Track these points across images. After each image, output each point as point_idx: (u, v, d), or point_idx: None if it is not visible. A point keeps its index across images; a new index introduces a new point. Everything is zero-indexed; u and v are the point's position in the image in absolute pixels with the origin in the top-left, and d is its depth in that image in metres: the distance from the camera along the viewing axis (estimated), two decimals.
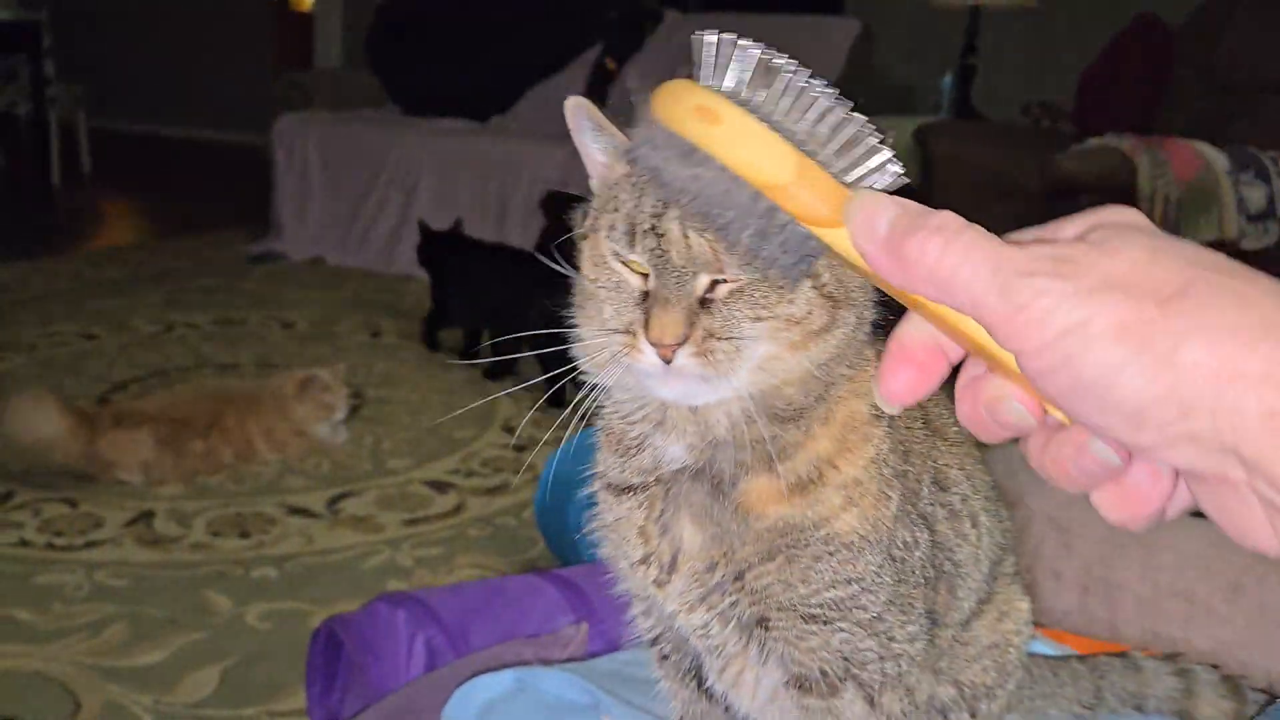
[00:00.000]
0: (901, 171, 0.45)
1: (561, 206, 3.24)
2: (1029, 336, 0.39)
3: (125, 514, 2.35)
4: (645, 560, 0.63)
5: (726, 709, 0.67)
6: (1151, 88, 3.58)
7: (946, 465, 0.66)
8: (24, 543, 2.21)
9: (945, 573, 0.64)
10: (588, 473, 0.70)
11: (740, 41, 0.47)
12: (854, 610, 0.59)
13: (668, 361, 0.54)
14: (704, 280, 0.54)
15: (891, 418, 0.60)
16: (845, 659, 0.60)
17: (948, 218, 0.41)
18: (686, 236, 0.54)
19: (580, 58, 5.00)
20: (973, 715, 0.69)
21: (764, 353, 0.55)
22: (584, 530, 0.69)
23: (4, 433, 2.43)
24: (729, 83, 0.47)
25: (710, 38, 0.47)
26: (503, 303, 3.15)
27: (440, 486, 2.56)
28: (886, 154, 0.46)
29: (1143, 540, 1.59)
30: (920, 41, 4.80)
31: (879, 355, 0.57)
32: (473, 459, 2.72)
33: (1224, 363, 0.37)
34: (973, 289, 0.40)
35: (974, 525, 0.66)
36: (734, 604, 0.60)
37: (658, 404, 0.59)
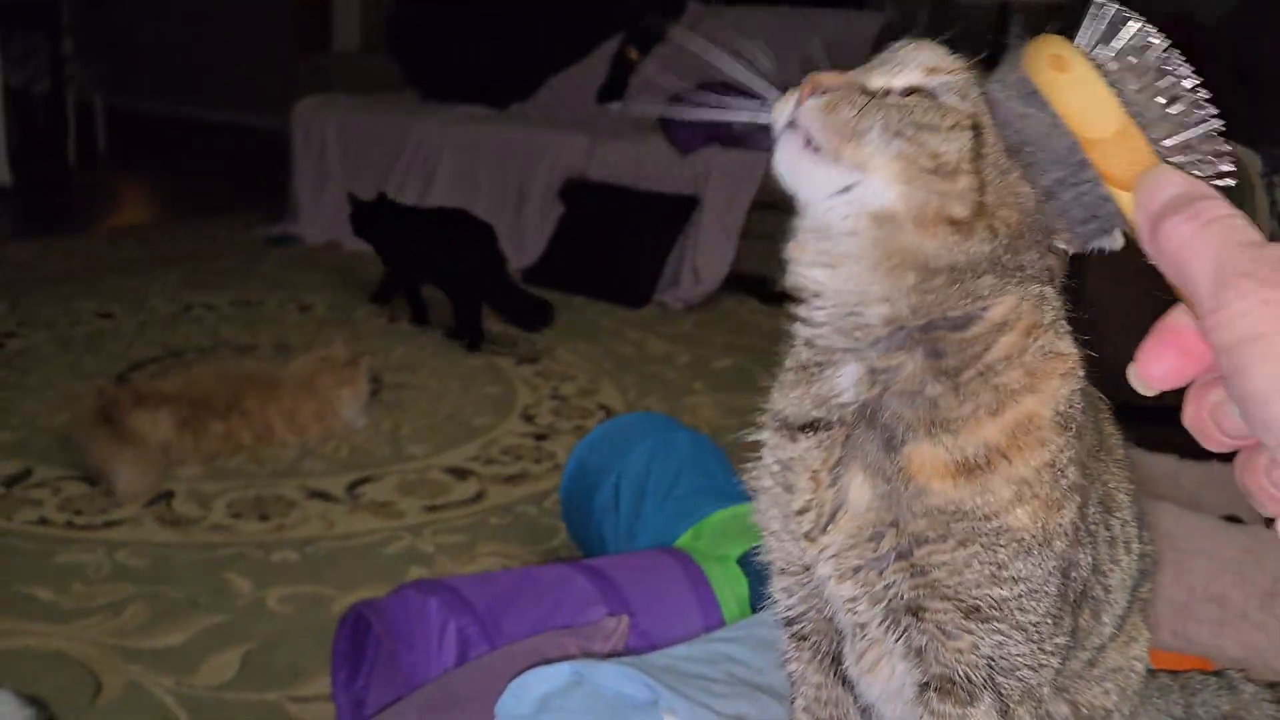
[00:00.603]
0: (1230, 183, 0.45)
1: (581, 195, 3.26)
2: (1219, 337, 0.38)
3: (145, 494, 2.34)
4: (804, 510, 0.59)
5: (855, 697, 0.65)
6: None
7: (1115, 488, 0.63)
8: (44, 521, 2.20)
9: (1094, 597, 0.61)
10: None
11: (1128, 15, 0.49)
12: (1016, 612, 0.56)
13: (793, 124, 0.55)
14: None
15: (1078, 429, 0.57)
16: (991, 664, 0.57)
17: (1210, 205, 0.41)
18: None
19: (602, 47, 4.97)
20: None
21: (890, 160, 0.53)
22: (739, 478, 0.66)
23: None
24: (1098, 47, 0.49)
25: (1101, 2, 0.49)
26: (438, 260, 3.50)
27: (460, 473, 2.54)
28: (1226, 165, 0.46)
29: (1176, 545, 1.57)
30: (948, 30, 4.75)
31: (1070, 369, 0.56)
32: (492, 446, 2.71)
33: None
34: (1197, 280, 0.40)
35: (1127, 552, 0.64)
36: (889, 585, 0.57)
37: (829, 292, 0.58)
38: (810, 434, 0.59)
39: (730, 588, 1.52)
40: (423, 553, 2.18)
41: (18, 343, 3.25)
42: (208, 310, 3.68)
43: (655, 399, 3.10)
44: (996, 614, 0.56)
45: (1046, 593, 0.57)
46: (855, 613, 0.60)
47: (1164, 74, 0.48)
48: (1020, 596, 0.56)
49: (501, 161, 4.43)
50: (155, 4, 7.50)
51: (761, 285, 4.15)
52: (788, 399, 0.61)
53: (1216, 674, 0.78)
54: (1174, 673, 0.79)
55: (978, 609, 0.56)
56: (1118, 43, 0.48)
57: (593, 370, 3.31)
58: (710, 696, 0.79)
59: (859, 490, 0.57)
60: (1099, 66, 0.48)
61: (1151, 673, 0.78)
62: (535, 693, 0.76)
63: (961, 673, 0.58)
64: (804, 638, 0.66)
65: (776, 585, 0.66)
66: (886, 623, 0.59)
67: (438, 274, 3.53)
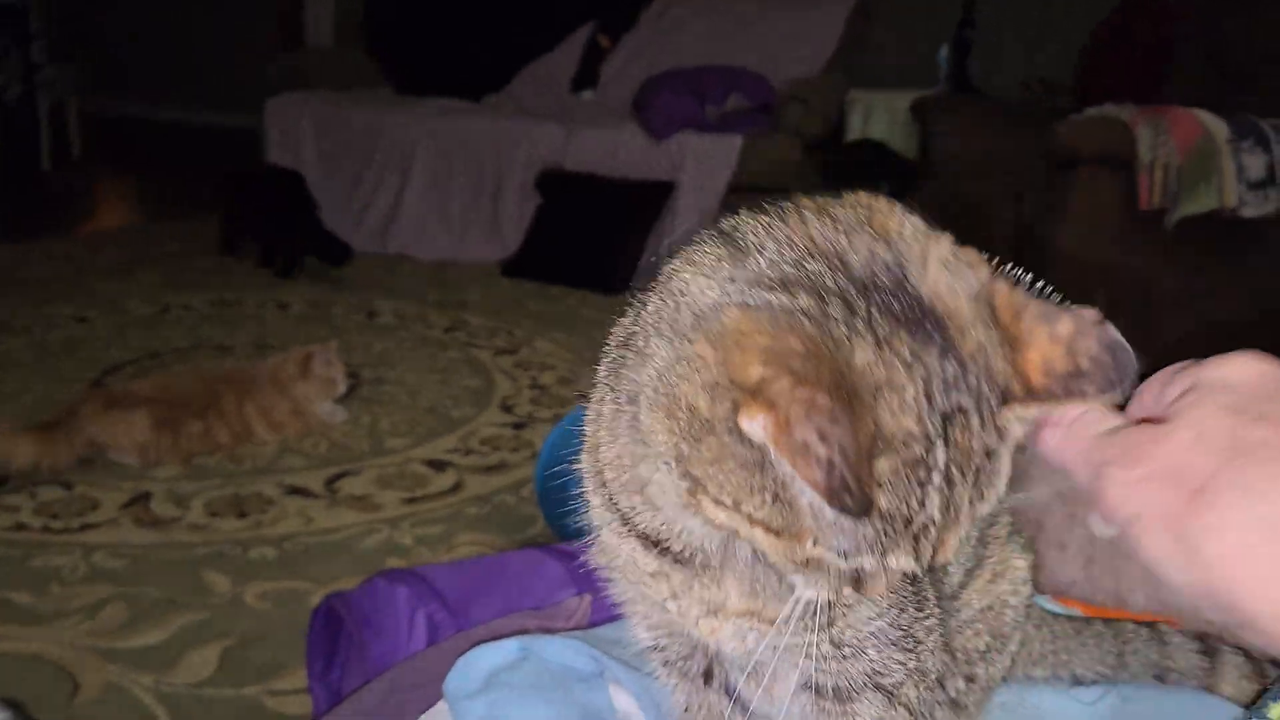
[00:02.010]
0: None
1: (557, 185, 3.29)
2: (1110, 523, 0.46)
3: (122, 495, 2.34)
4: (674, 598, 0.57)
5: (736, 700, 0.65)
6: (1153, 59, 3.56)
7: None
8: (20, 526, 2.20)
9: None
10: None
11: None
12: (888, 631, 0.57)
13: None
14: None
15: None
16: (868, 675, 0.58)
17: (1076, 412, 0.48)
18: None
19: (573, 35, 4.96)
20: (970, 680, 0.68)
21: None
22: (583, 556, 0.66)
23: None
24: None
25: None
26: (277, 213, 4.17)
27: (439, 465, 2.54)
28: None
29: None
30: (917, 14, 4.76)
31: None
32: (471, 438, 2.71)
33: (1242, 556, 0.42)
34: (1079, 477, 0.47)
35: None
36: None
37: None
38: (671, 561, 0.56)
39: None
40: (401, 545, 2.18)
41: None
42: (185, 311, 3.67)
43: None
44: (870, 643, 0.57)
45: (901, 607, 0.58)
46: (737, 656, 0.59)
47: None
48: (892, 620, 0.58)
49: (477, 153, 4.43)
50: (126, 6, 7.45)
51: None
52: (628, 505, 0.56)
53: (1149, 625, 0.79)
54: (1107, 621, 0.80)
55: (844, 642, 0.57)
56: None
57: (572, 359, 3.31)
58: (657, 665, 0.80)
59: (736, 591, 0.55)
60: None
61: (1087, 622, 0.79)
62: (482, 669, 0.77)
63: (844, 684, 0.59)
64: (669, 662, 0.65)
65: (635, 622, 0.65)
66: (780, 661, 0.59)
67: (261, 219, 4.20)
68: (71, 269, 4.12)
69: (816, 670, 0.58)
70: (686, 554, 0.55)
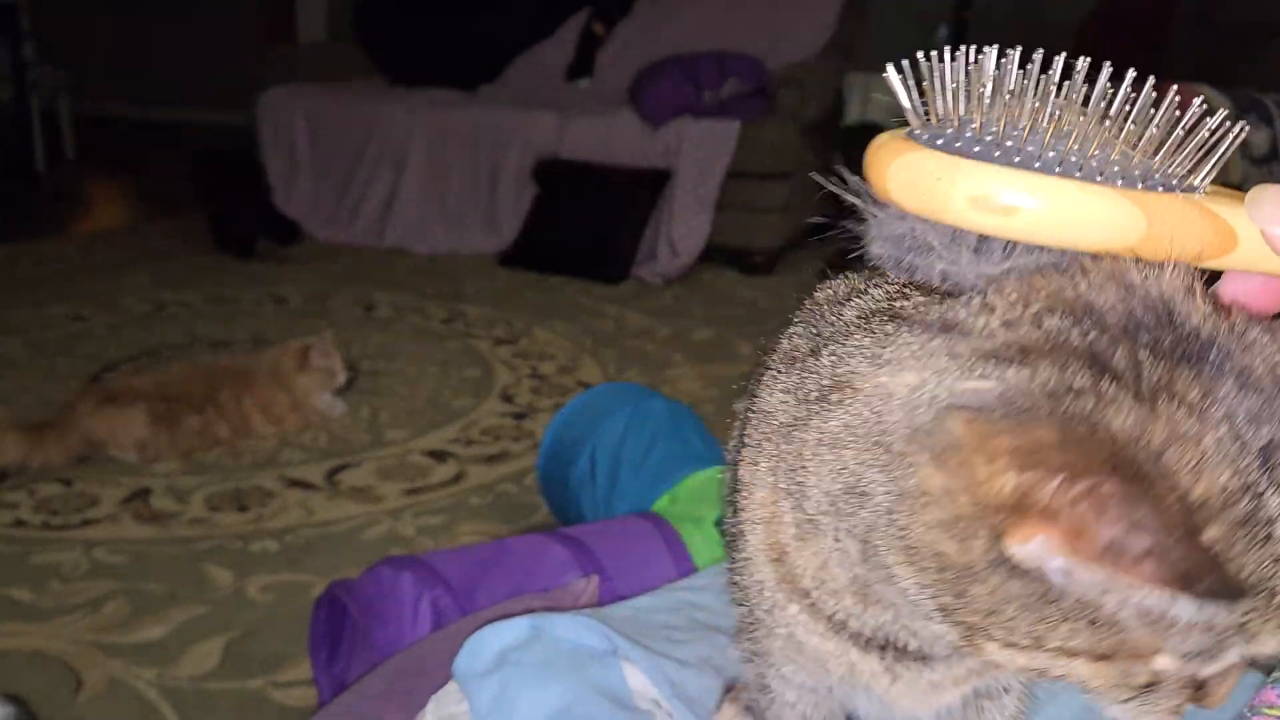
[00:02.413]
0: (1245, 126, 0.39)
1: (554, 175, 3.25)
2: None
3: (121, 491, 2.32)
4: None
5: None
6: (1151, 33, 3.54)
7: None
8: (20, 523, 2.18)
9: None
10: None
11: (960, 62, 0.39)
12: None
13: None
14: None
15: None
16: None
17: None
18: None
19: (567, 23, 4.93)
20: None
21: None
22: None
23: None
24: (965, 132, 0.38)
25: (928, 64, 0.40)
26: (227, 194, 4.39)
27: (440, 456, 2.52)
28: (1218, 116, 0.39)
29: None
30: None
31: None
32: (472, 428, 2.69)
33: None
34: None
35: None
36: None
37: None
38: (881, 653, 0.49)
39: (708, 549, 1.51)
40: (403, 535, 2.16)
41: None
42: (182, 308, 3.65)
43: (635, 373, 3.09)
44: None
45: None
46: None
47: (1068, 94, 0.39)
48: None
49: (472, 144, 4.40)
50: (116, 6, 7.41)
51: (740, 257, 4.14)
52: (847, 611, 0.49)
53: None
54: None
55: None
56: (985, 105, 0.38)
57: (572, 348, 3.29)
58: (670, 644, 0.78)
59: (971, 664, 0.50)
60: (1002, 146, 0.38)
61: None
62: (493, 648, 0.75)
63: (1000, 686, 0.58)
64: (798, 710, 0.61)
65: (792, 702, 0.59)
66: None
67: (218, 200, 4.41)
68: (66, 268, 4.09)
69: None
70: (927, 649, 0.48)
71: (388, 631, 1.31)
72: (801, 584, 0.48)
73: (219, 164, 4.60)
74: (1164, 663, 0.37)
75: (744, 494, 0.52)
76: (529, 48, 4.97)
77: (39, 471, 2.35)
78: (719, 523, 1.59)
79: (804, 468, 0.45)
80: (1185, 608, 0.34)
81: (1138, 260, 0.40)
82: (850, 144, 4.45)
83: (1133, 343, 0.37)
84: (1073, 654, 0.37)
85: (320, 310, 3.66)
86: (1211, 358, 0.37)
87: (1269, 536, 0.35)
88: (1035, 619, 0.37)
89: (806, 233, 4.54)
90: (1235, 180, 2.18)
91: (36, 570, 2.00)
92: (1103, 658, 0.37)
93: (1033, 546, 0.35)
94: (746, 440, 0.53)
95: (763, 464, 0.50)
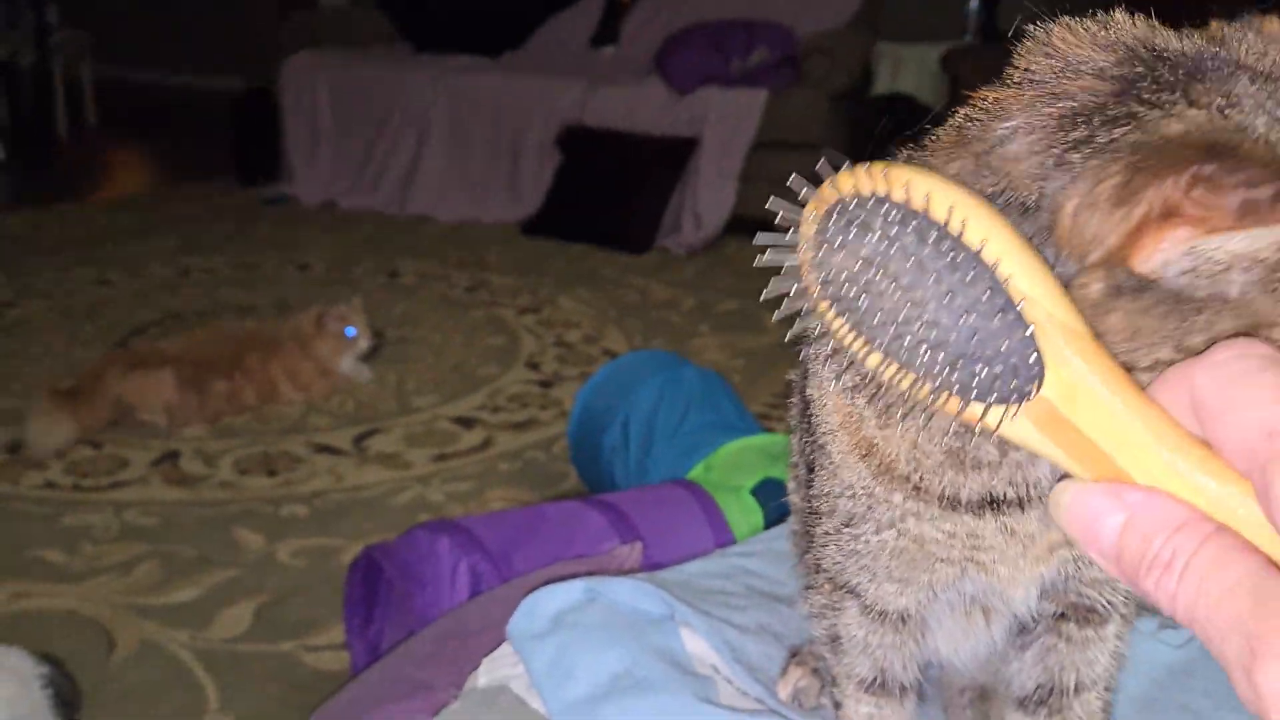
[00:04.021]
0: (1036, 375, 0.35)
1: (578, 143, 3.22)
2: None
3: (150, 454, 2.32)
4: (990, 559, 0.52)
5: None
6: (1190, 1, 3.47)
7: None
8: (50, 484, 2.19)
9: None
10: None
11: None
12: None
13: None
14: None
15: None
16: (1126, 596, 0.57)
17: (1182, 541, 0.32)
18: None
19: None
20: None
21: None
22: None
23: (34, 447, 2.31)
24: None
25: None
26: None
27: (467, 423, 2.52)
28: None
29: None
30: None
31: None
32: (498, 395, 2.68)
33: None
34: (1211, 640, 0.31)
35: None
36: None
37: None
38: (994, 511, 0.50)
39: (744, 517, 1.50)
40: (432, 501, 2.16)
41: (17, 312, 3.22)
42: (206, 274, 3.65)
43: (661, 343, 3.07)
44: None
45: None
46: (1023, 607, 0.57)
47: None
48: None
49: (496, 111, 4.36)
50: None
51: (765, 228, 4.10)
52: (942, 479, 0.49)
53: None
54: None
55: None
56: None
57: (596, 318, 3.28)
58: (728, 610, 0.76)
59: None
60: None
61: None
62: (548, 610, 0.74)
63: (1104, 603, 0.57)
64: (891, 691, 0.62)
65: (866, 644, 0.60)
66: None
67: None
68: (91, 234, 4.09)
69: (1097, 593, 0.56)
70: (1021, 494, 0.49)
71: (426, 596, 1.30)
72: (899, 470, 0.49)
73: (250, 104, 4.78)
74: None
75: (815, 413, 0.53)
76: (554, 14, 4.92)
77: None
78: (755, 490, 1.58)
79: None
80: None
81: (1093, 29, 0.41)
82: (879, 114, 4.40)
83: (1138, 93, 0.38)
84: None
85: (344, 277, 3.65)
86: (1212, 67, 0.38)
87: None
88: (1177, 329, 0.37)
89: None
90: None
91: (68, 532, 2.01)
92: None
93: (1164, 249, 0.35)
94: (808, 366, 0.55)
95: (828, 373, 0.51)
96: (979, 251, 0.34)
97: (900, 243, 0.35)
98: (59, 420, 2.31)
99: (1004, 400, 0.34)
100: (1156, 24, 0.41)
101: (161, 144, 6.06)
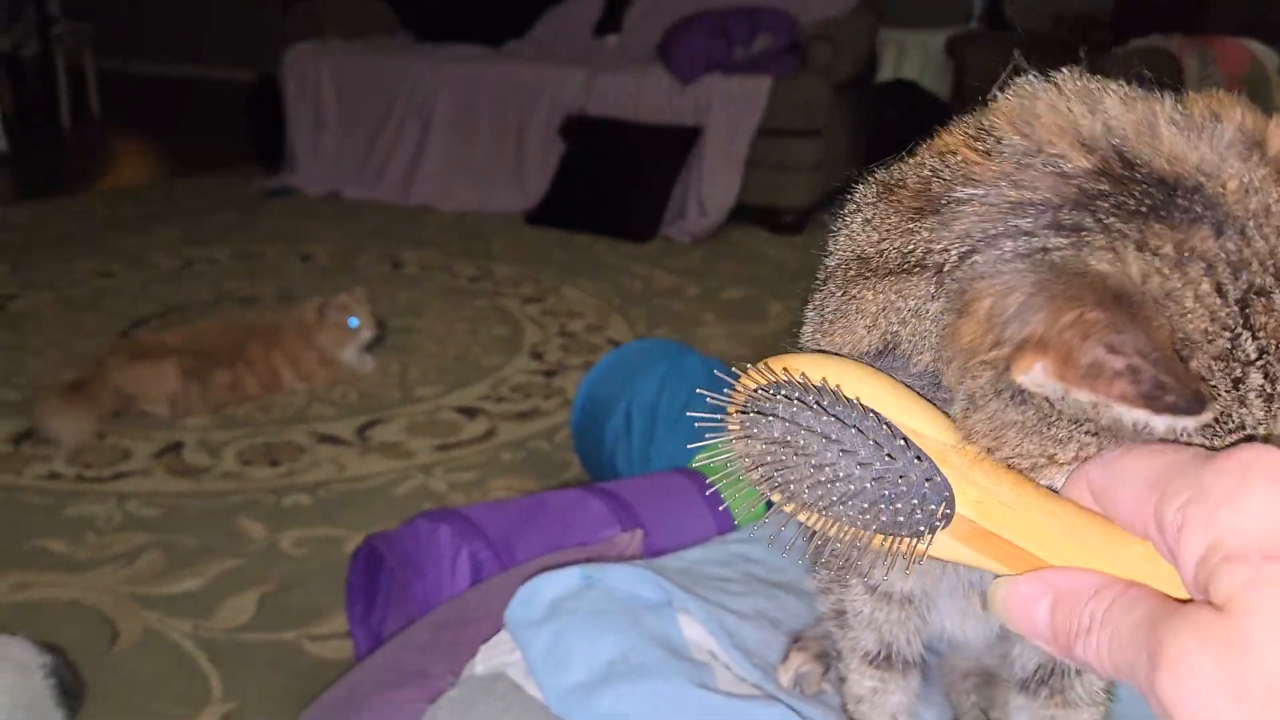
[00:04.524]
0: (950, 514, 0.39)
1: (582, 131, 3.21)
2: None
3: (153, 445, 2.32)
4: None
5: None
6: None
7: None
8: (54, 475, 2.19)
9: None
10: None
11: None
12: None
13: None
14: None
15: None
16: None
17: (1097, 603, 0.35)
18: None
19: None
20: None
21: None
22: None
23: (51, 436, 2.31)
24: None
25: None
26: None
27: (470, 412, 2.51)
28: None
29: None
30: None
31: None
32: (502, 385, 2.67)
33: None
34: (1123, 672, 0.34)
35: None
36: None
37: None
38: None
39: (747, 505, 1.49)
40: (435, 490, 2.15)
41: (20, 304, 3.22)
42: (209, 265, 3.64)
43: (665, 332, 3.06)
44: None
45: None
46: None
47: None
48: None
49: (499, 101, 4.35)
50: None
51: (769, 216, 4.09)
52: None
53: None
54: None
55: None
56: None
57: (600, 306, 3.27)
58: (726, 595, 0.76)
59: None
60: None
61: None
62: (545, 597, 0.73)
63: None
64: (898, 664, 0.63)
65: (872, 619, 0.61)
66: None
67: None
68: (94, 225, 4.09)
69: None
70: None
71: (427, 584, 1.30)
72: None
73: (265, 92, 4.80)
74: None
75: None
76: (556, 3, 4.90)
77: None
78: None
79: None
80: (1157, 424, 0.36)
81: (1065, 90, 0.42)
82: (883, 102, 4.38)
83: (1099, 200, 0.38)
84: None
85: (347, 267, 3.65)
86: (1183, 203, 0.37)
87: (1241, 379, 0.37)
88: (1043, 438, 0.39)
89: (837, 192, 4.47)
90: None
91: (71, 522, 2.01)
92: None
93: (1034, 374, 0.36)
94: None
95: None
96: (865, 408, 0.39)
97: (800, 421, 0.39)
98: (78, 413, 2.31)
99: (928, 527, 0.38)
100: (1157, 112, 0.40)
101: (164, 135, 6.06)
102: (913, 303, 0.43)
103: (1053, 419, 0.38)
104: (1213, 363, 0.37)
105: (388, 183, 4.53)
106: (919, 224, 0.43)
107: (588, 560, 1.00)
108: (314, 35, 4.76)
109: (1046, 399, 0.37)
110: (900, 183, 0.46)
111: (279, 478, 2.19)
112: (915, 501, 0.38)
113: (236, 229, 4.06)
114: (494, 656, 0.75)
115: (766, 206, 4.07)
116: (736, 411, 0.41)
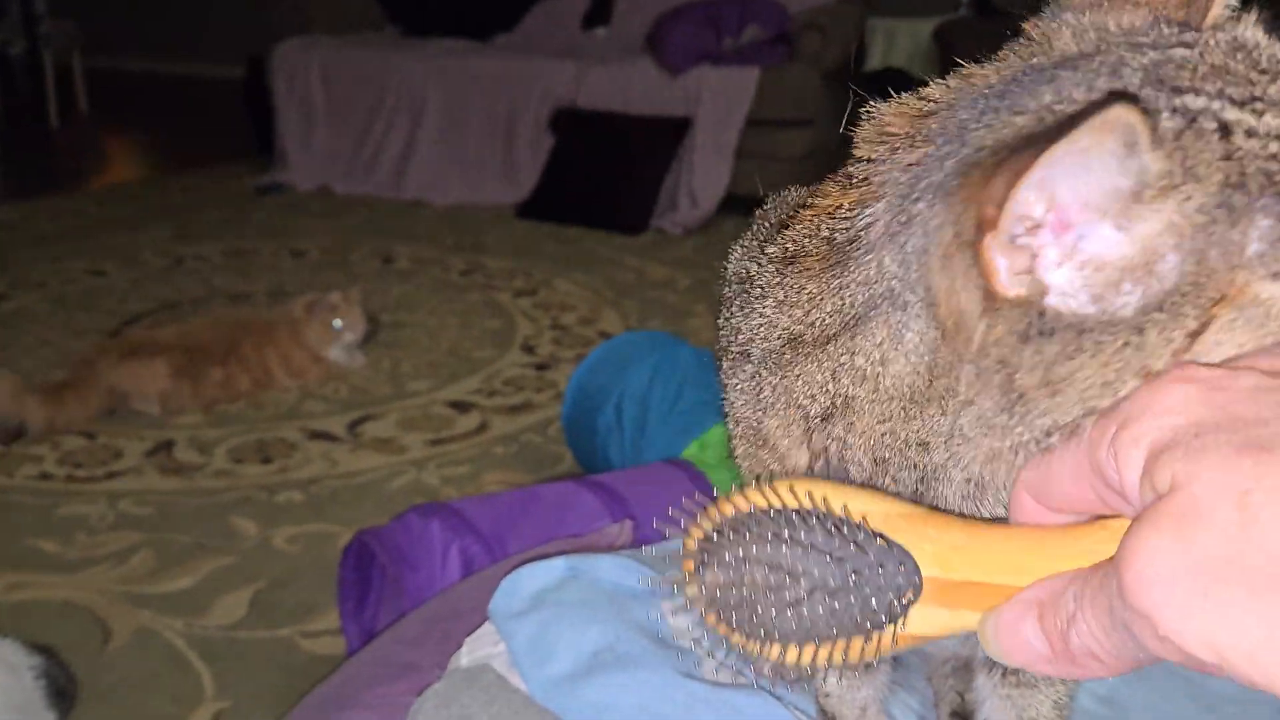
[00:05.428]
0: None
1: (571, 124, 3.21)
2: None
3: (145, 444, 2.31)
4: None
5: None
6: None
7: None
8: (45, 475, 2.18)
9: None
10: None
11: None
12: None
13: None
14: None
15: None
16: None
17: (1076, 587, 0.35)
18: None
19: None
20: None
21: None
22: None
23: None
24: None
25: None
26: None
27: (462, 407, 2.51)
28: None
29: None
30: None
31: None
32: (494, 379, 2.67)
33: None
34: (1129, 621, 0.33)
35: None
36: None
37: None
38: None
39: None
40: (428, 485, 2.15)
41: (10, 304, 3.21)
42: (200, 262, 3.63)
43: (657, 324, 3.06)
44: None
45: None
46: None
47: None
48: None
49: (489, 95, 4.34)
50: None
51: (760, 206, 4.08)
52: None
53: None
54: None
55: None
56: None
57: (592, 299, 3.26)
58: None
59: None
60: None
61: None
62: (529, 588, 0.73)
63: None
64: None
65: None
66: None
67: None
68: (84, 223, 4.08)
69: None
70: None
71: (418, 578, 1.30)
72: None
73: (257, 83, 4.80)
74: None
75: None
76: None
77: (64, 430, 2.34)
78: None
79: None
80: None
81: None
82: (872, 91, 4.35)
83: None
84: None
85: (339, 262, 3.64)
86: (1029, 82, 0.39)
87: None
88: (1099, 347, 0.37)
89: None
90: None
91: (63, 522, 2.00)
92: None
93: (995, 254, 0.36)
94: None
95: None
96: (811, 510, 0.38)
97: (754, 550, 0.38)
98: (47, 406, 2.31)
99: (901, 607, 0.37)
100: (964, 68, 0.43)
101: (154, 133, 6.04)
102: (878, 342, 0.42)
103: (1086, 338, 0.36)
104: None
105: (379, 177, 4.52)
106: (844, 276, 0.43)
107: (578, 552, 1.00)
108: (302, 31, 4.74)
109: (1065, 307, 0.36)
110: (802, 252, 0.46)
111: (271, 475, 2.19)
112: (883, 583, 0.37)
113: (228, 226, 4.05)
114: (479, 648, 0.75)
115: (758, 197, 4.05)
116: (691, 559, 0.40)
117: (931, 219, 0.39)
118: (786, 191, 0.56)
